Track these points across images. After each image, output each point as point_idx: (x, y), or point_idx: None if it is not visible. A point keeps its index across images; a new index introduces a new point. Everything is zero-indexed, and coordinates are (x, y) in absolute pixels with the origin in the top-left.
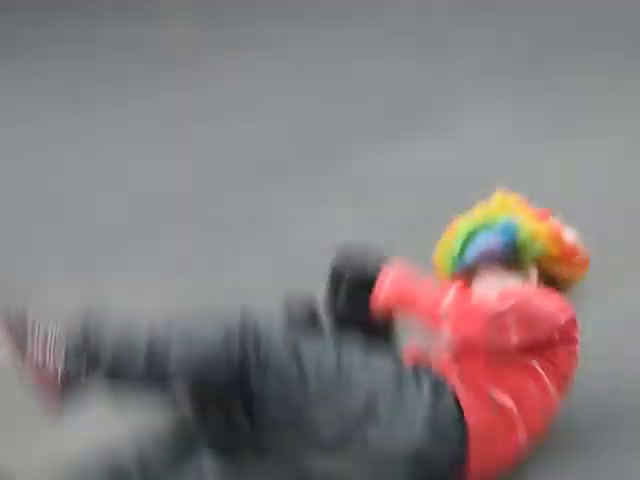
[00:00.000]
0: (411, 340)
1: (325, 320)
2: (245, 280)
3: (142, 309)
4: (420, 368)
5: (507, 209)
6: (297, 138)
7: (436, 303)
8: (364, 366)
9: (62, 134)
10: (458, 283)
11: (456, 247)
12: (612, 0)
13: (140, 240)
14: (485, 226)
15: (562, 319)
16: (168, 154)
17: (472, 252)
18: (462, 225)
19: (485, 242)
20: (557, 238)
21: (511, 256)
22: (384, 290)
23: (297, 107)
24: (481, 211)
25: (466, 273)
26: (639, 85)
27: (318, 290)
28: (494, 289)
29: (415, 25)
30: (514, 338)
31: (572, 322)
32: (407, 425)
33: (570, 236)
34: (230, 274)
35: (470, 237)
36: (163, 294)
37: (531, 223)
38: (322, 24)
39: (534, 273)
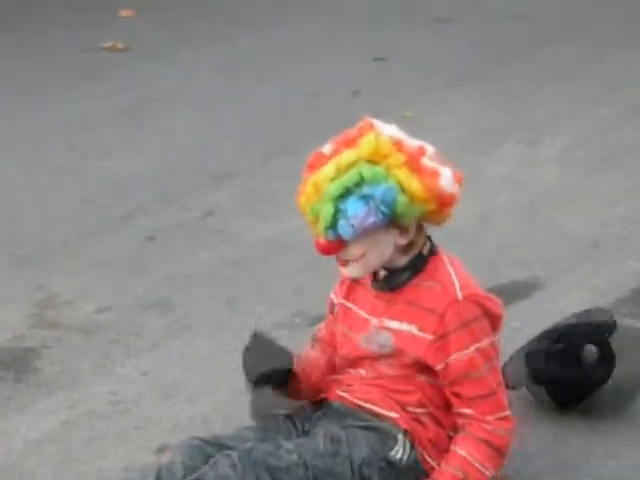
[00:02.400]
0: None
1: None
2: None
3: None
4: None
5: (379, 156)
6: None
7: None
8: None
9: None
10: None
11: (326, 215)
12: None
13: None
14: (357, 190)
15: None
16: None
17: (347, 227)
18: (329, 184)
19: (362, 216)
20: (435, 192)
21: (389, 222)
22: None
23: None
24: (348, 161)
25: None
26: None
27: None
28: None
29: None
30: None
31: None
32: None
33: (446, 180)
34: None
35: (341, 203)
36: None
37: (410, 184)
38: None
39: (412, 226)
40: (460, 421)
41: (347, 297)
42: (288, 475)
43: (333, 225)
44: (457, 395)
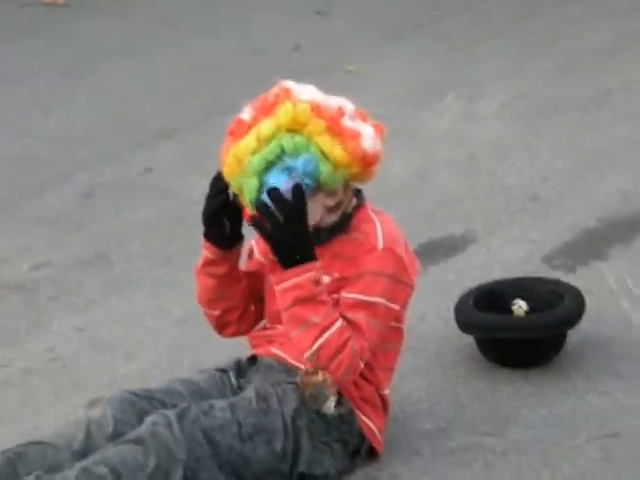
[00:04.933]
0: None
1: None
2: None
3: None
4: None
5: (298, 125)
6: None
7: (309, 343)
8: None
9: None
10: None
11: (250, 189)
12: None
13: None
14: (279, 162)
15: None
16: None
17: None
18: (250, 157)
19: (286, 189)
20: (358, 154)
21: (315, 188)
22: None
23: None
24: (268, 132)
25: None
26: None
27: None
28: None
29: None
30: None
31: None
32: None
33: (368, 140)
34: None
35: (264, 176)
36: None
37: (332, 151)
38: None
39: (339, 188)
40: None
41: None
42: (222, 434)
43: (258, 199)
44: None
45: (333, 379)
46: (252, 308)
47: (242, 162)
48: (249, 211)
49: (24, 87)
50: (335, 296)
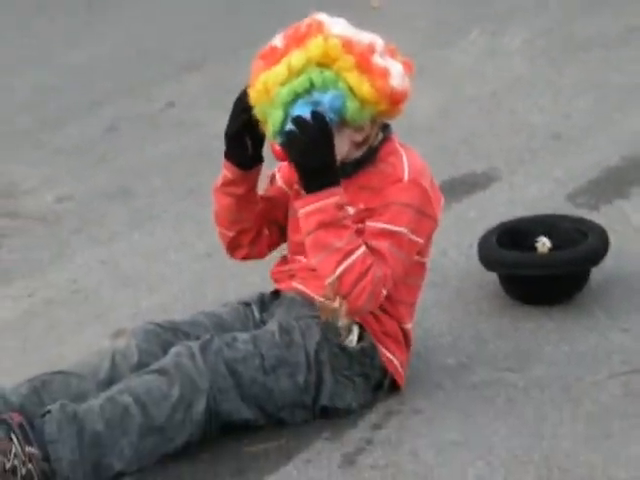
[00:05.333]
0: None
1: None
2: None
3: None
4: None
5: (329, 59)
6: None
7: (332, 268)
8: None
9: None
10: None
11: (275, 120)
12: None
13: None
14: (307, 95)
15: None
16: None
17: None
18: (279, 88)
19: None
20: (386, 92)
21: (341, 123)
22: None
23: None
24: (298, 64)
25: None
26: None
27: None
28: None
29: None
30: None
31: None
32: None
33: (397, 78)
34: None
35: (290, 108)
36: None
37: (360, 88)
38: None
39: (366, 125)
40: None
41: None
42: (244, 365)
43: (281, 130)
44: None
45: (350, 308)
46: (266, 232)
47: (270, 91)
48: (276, 147)
49: (48, 19)
50: (360, 226)
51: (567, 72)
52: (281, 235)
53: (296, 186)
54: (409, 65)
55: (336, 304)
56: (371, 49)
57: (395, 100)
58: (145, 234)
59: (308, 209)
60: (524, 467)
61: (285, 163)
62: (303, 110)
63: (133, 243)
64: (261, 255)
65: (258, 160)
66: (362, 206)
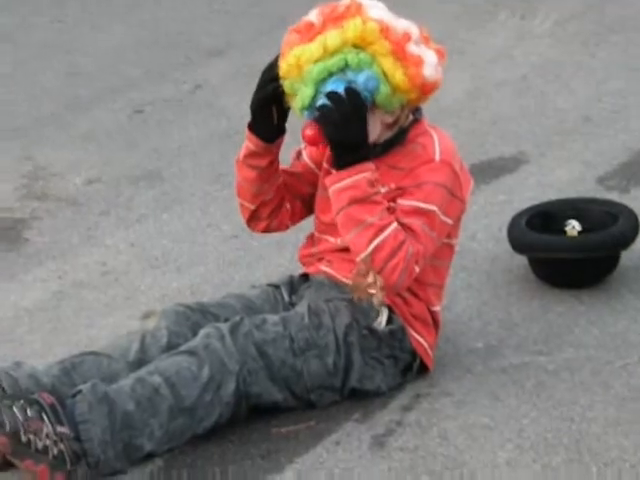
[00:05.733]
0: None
1: None
2: None
3: None
4: None
5: (365, 42)
6: None
7: (365, 244)
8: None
9: None
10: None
11: (304, 96)
12: None
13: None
14: (341, 74)
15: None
16: None
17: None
18: (312, 65)
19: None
20: (418, 81)
21: (371, 106)
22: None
23: None
24: (334, 44)
25: None
26: None
27: None
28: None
29: None
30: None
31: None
32: None
33: (430, 68)
34: None
35: (321, 85)
36: None
37: (394, 74)
38: None
39: (397, 108)
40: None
41: (330, 162)
42: (274, 347)
43: (309, 106)
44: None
45: (383, 284)
46: (287, 206)
47: (303, 67)
48: (307, 132)
49: (75, 2)
50: (392, 204)
51: (598, 55)
52: (304, 210)
53: (325, 165)
54: (442, 53)
55: (370, 279)
56: (407, 37)
57: (426, 90)
58: (173, 216)
59: (340, 185)
60: (554, 450)
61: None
62: (337, 86)
63: (161, 225)
64: (281, 228)
65: (281, 132)
66: (393, 186)
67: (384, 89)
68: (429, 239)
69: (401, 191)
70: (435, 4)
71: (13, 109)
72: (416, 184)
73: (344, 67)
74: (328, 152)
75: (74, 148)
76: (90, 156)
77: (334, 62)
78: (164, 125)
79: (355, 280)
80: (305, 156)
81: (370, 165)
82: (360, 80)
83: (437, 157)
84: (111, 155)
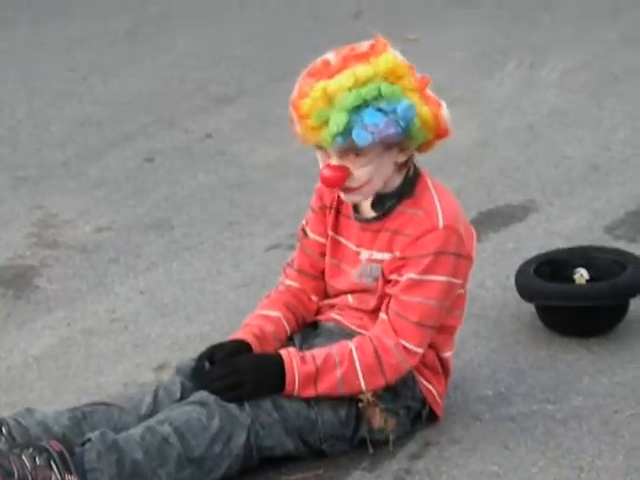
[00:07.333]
0: None
1: None
2: None
3: None
4: None
5: (395, 77)
6: None
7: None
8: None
9: None
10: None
11: (339, 122)
12: None
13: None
14: (374, 103)
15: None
16: None
17: (366, 135)
18: (345, 93)
19: (383, 126)
20: (437, 121)
21: (400, 141)
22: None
23: None
24: (366, 75)
25: (344, 148)
26: None
27: None
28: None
29: None
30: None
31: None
32: None
33: (446, 112)
34: None
35: (355, 113)
36: None
37: (421, 109)
38: None
39: (413, 151)
40: (373, 323)
41: (334, 229)
42: (290, 400)
43: (344, 133)
44: (389, 300)
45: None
46: (313, 299)
47: (334, 96)
48: (325, 173)
49: (87, 50)
50: (394, 276)
51: (606, 104)
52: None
53: (330, 233)
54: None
55: (380, 405)
56: (426, 80)
57: (441, 133)
58: (183, 264)
59: (297, 391)
60: None
61: (311, 217)
62: (374, 115)
63: (171, 273)
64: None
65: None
66: (397, 253)
67: (417, 122)
68: (432, 311)
69: (405, 261)
70: (442, 52)
71: (24, 157)
72: (420, 255)
73: (378, 97)
74: (331, 220)
75: (84, 196)
76: (100, 204)
77: (368, 90)
78: (174, 173)
79: (367, 412)
80: (310, 232)
81: (290, 366)
82: (399, 108)
83: (441, 224)
84: (121, 203)
